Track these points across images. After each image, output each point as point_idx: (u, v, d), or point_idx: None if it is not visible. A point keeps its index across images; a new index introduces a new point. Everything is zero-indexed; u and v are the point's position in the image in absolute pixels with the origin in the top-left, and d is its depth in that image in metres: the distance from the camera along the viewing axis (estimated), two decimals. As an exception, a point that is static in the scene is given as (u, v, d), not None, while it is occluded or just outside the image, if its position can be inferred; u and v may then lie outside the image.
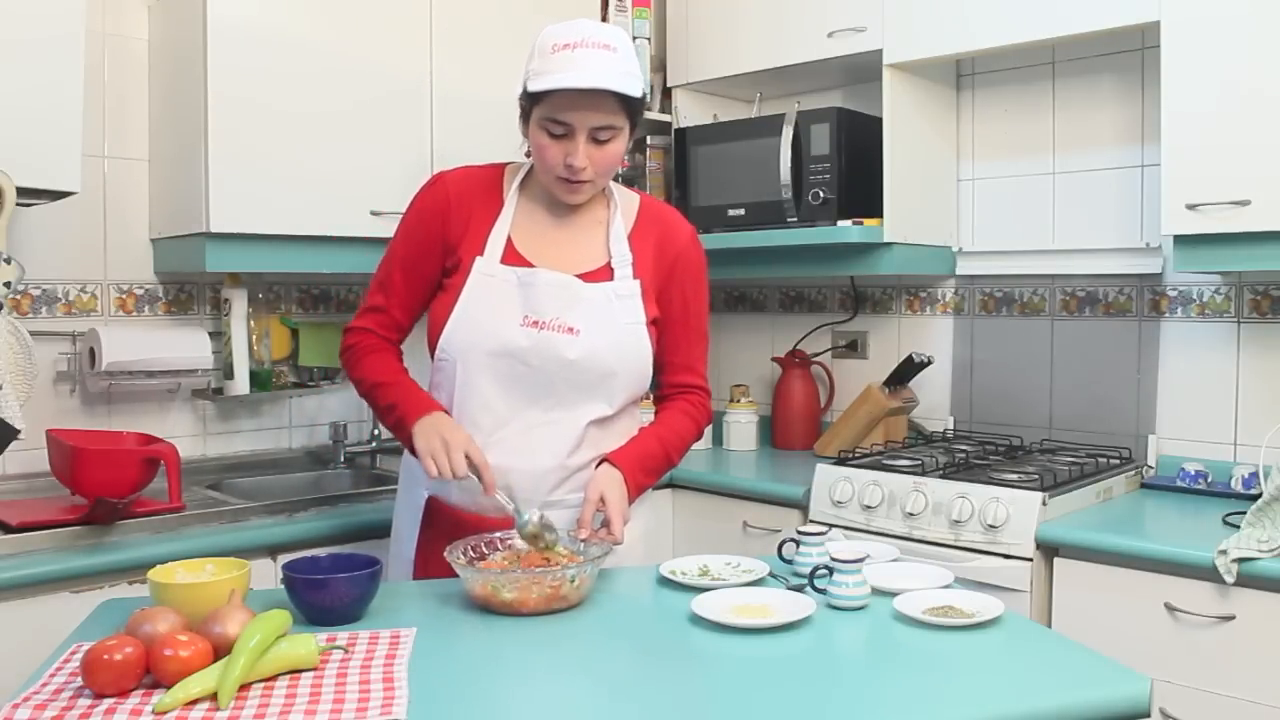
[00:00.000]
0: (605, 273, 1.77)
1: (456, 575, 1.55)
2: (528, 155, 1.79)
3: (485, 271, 1.74)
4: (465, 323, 1.74)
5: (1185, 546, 1.95)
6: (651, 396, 1.91)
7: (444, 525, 1.76)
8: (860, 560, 1.52)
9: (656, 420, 1.86)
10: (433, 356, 1.80)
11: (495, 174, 1.83)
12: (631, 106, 1.69)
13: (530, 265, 1.75)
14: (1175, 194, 2.17)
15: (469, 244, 1.76)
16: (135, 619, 1.26)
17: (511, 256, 1.75)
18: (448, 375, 1.76)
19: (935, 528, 2.26)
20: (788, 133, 2.74)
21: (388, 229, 1.85)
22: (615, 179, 1.89)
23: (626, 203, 1.84)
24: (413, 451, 1.71)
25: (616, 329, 1.75)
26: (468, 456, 1.64)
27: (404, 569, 1.83)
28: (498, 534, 1.66)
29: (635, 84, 1.67)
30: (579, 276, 1.75)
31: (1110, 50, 2.60)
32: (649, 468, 1.77)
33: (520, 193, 1.81)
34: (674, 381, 1.87)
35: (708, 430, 3.07)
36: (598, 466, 1.74)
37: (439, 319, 1.76)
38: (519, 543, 1.63)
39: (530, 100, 1.69)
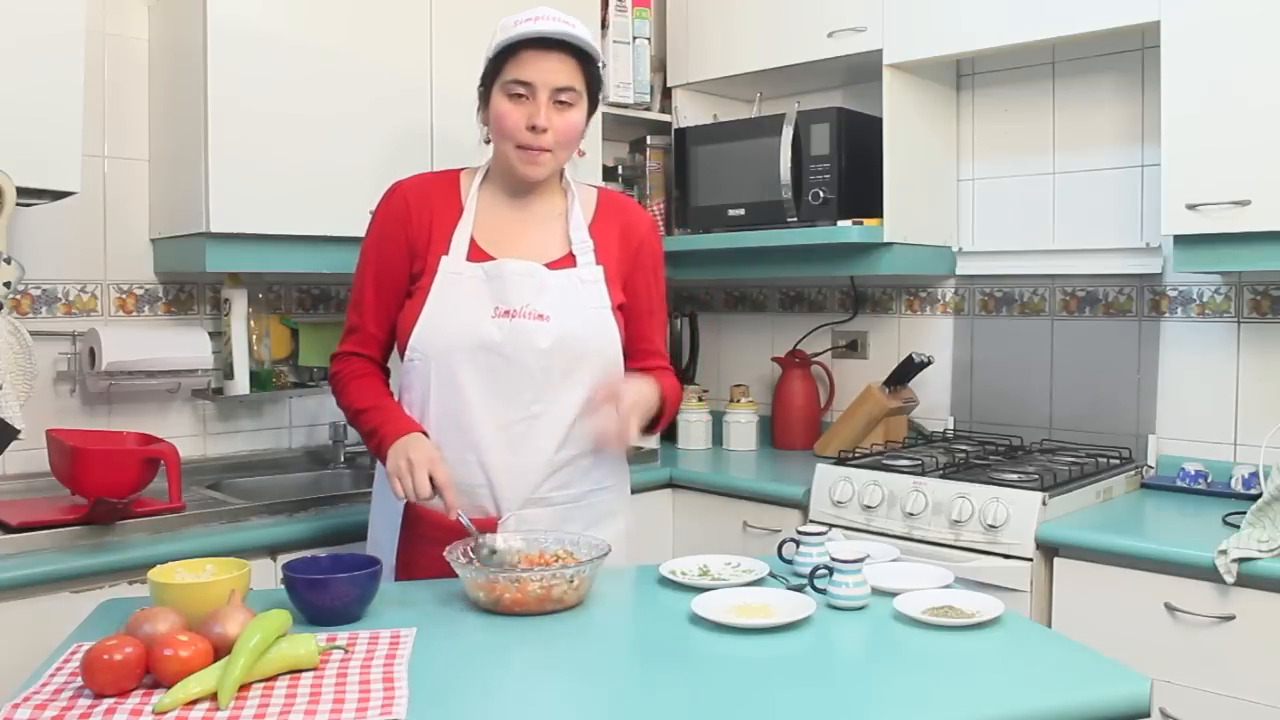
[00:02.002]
0: (568, 260, 1.80)
1: (438, 577, 1.55)
2: (487, 142, 1.82)
3: (452, 270, 1.76)
4: (436, 320, 1.75)
5: (1185, 546, 1.95)
6: None
7: (424, 529, 1.75)
8: (860, 560, 1.52)
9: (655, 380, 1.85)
10: (403, 359, 1.80)
11: (451, 178, 1.86)
12: (590, 75, 1.75)
13: (495, 259, 1.77)
14: (1175, 194, 2.17)
15: (433, 246, 1.78)
16: (135, 619, 1.26)
17: (476, 254, 1.78)
18: (420, 375, 1.77)
19: (935, 528, 2.26)
20: (788, 133, 2.74)
21: (388, 229, 1.85)
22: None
23: (584, 194, 1.89)
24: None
25: (585, 312, 1.78)
26: (432, 477, 1.64)
27: (385, 574, 1.82)
28: (494, 535, 1.66)
29: (594, 47, 1.72)
30: (544, 265, 1.78)
31: (1110, 50, 2.60)
32: (658, 395, 1.79)
33: (479, 193, 1.83)
34: (643, 366, 1.89)
35: (708, 430, 3.10)
36: None
37: (408, 320, 1.77)
38: (516, 544, 1.63)
39: (491, 74, 1.73)
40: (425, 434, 1.73)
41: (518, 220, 1.82)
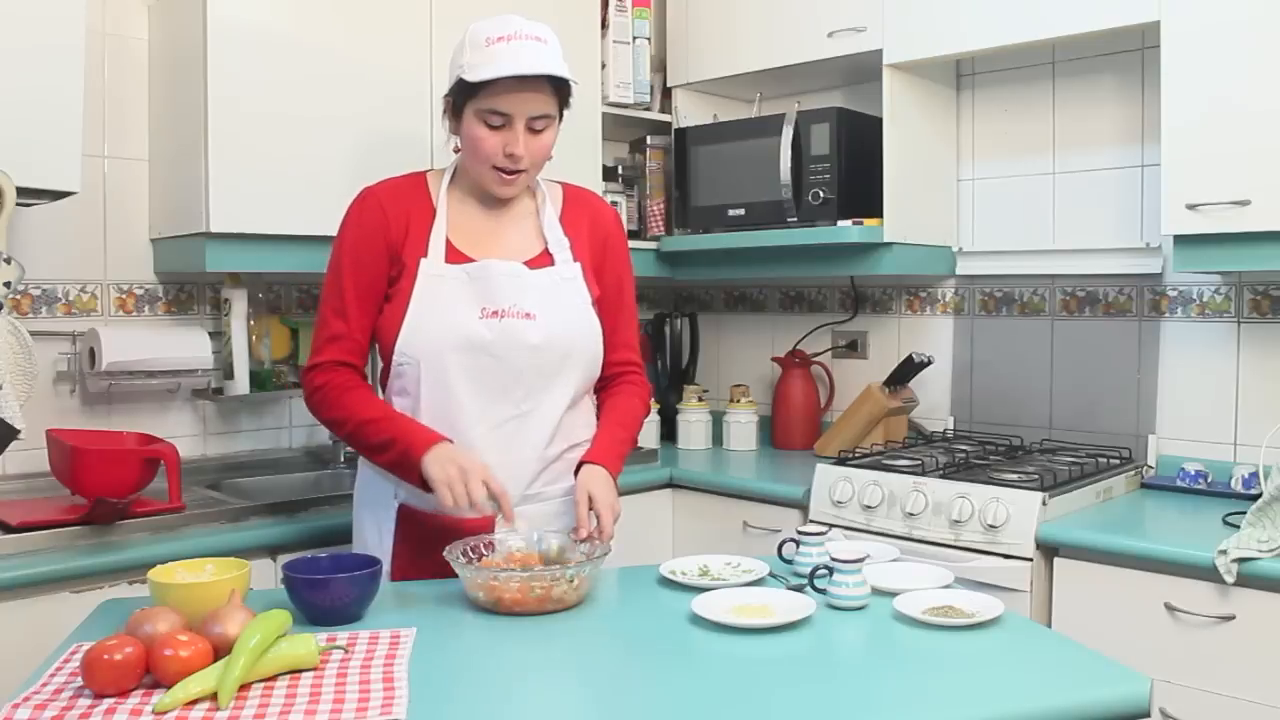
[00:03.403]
0: (545, 259, 1.82)
1: (438, 578, 1.56)
2: (456, 151, 1.83)
3: (433, 273, 1.76)
4: (424, 322, 1.74)
5: (1185, 546, 1.95)
6: None
7: (420, 531, 1.75)
8: (860, 560, 1.52)
9: (613, 405, 1.89)
10: (387, 363, 1.79)
11: (419, 180, 1.87)
12: (562, 97, 1.77)
13: (475, 260, 1.78)
14: (1175, 194, 2.17)
15: (410, 248, 1.78)
16: (135, 619, 1.27)
17: (454, 256, 1.78)
18: (410, 379, 1.76)
19: (935, 528, 2.26)
20: (788, 133, 2.74)
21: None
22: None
23: (552, 190, 1.90)
24: (416, 483, 1.69)
25: (569, 310, 1.80)
26: (486, 485, 1.64)
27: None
28: (494, 535, 1.66)
29: (567, 71, 1.74)
30: (524, 264, 1.79)
31: (1110, 50, 2.60)
32: (621, 454, 1.83)
33: (449, 194, 1.84)
34: (615, 360, 1.90)
35: (708, 430, 3.10)
36: (578, 468, 1.76)
37: (391, 325, 1.76)
38: (515, 543, 1.64)
39: (465, 94, 1.73)
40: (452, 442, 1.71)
41: (491, 220, 1.84)
